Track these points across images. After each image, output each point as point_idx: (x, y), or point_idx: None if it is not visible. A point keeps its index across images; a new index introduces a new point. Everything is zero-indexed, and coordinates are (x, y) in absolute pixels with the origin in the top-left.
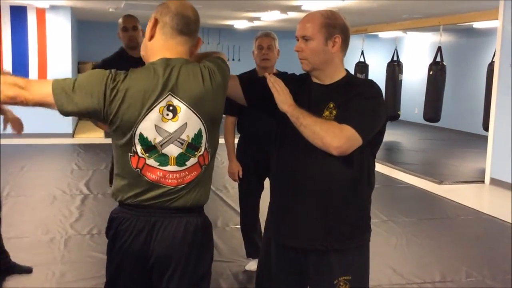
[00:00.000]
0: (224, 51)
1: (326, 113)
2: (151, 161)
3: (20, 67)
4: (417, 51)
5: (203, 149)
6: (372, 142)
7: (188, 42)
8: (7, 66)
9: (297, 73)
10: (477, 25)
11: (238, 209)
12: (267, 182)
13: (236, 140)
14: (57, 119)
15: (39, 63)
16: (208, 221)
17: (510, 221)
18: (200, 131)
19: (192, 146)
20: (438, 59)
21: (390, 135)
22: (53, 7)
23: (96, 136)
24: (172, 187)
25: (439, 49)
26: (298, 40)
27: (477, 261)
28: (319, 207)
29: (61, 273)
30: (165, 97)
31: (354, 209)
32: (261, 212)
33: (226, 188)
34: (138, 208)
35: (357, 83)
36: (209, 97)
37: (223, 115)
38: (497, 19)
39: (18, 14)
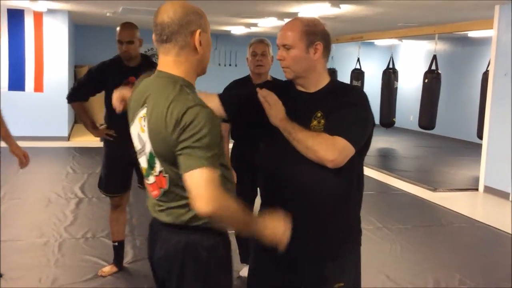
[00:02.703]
0: (221, 56)
1: (314, 122)
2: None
3: (17, 70)
4: (412, 59)
5: (157, 170)
6: (360, 148)
7: (169, 49)
8: (4, 69)
9: None
10: (472, 34)
11: None
12: None
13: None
14: (53, 122)
15: (36, 67)
16: (204, 248)
17: (503, 229)
18: (151, 150)
19: (150, 163)
20: (433, 67)
21: (385, 142)
22: (50, 11)
23: (91, 139)
24: (152, 198)
25: (434, 57)
26: (279, 48)
27: (471, 268)
28: (310, 215)
29: (55, 276)
30: (142, 108)
31: (345, 215)
32: None
33: None
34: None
35: (342, 90)
36: (159, 119)
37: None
38: (492, 28)
39: (15, 18)
